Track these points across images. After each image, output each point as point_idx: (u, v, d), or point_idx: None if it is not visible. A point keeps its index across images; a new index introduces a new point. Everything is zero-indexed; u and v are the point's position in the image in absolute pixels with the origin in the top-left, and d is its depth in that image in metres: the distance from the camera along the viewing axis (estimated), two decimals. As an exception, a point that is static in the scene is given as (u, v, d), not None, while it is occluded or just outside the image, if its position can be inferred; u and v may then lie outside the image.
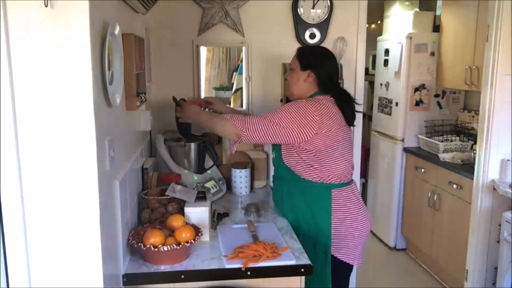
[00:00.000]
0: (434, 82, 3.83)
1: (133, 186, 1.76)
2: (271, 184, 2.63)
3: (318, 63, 1.99)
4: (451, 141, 3.59)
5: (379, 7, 4.54)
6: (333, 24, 2.63)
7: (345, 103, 1.99)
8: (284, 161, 1.97)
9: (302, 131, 1.86)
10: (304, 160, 1.92)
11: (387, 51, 4.09)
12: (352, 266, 2.01)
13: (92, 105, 1.15)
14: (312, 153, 1.90)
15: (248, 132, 1.88)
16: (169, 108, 2.60)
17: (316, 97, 1.96)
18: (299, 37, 2.60)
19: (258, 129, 1.88)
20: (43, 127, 1.15)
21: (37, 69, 1.12)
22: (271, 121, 1.87)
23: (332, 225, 1.92)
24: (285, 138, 1.88)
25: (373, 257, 3.87)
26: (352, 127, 2.06)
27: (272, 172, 2.62)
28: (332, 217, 1.92)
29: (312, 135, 1.86)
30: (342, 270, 1.98)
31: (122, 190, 1.49)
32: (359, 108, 2.16)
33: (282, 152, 1.97)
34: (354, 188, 2.03)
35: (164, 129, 2.53)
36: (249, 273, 1.57)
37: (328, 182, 1.93)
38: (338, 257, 1.95)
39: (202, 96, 2.68)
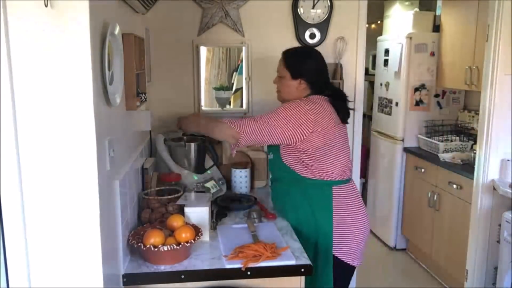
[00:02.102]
0: (434, 82, 3.82)
1: (133, 186, 1.76)
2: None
3: (308, 69, 2.00)
4: (451, 141, 3.59)
5: (379, 7, 4.54)
6: (333, 24, 2.63)
7: (339, 101, 2.03)
8: (283, 161, 1.98)
9: (298, 130, 1.88)
10: (303, 159, 1.94)
11: (387, 51, 4.09)
12: (353, 267, 2.00)
13: (92, 105, 1.15)
14: (310, 151, 1.92)
15: (245, 134, 1.91)
16: (169, 108, 2.61)
17: (311, 97, 1.98)
18: (299, 37, 2.60)
19: (255, 131, 1.90)
20: (43, 127, 1.15)
21: (37, 69, 1.12)
22: (266, 122, 1.90)
23: (334, 224, 1.93)
24: (281, 138, 1.90)
25: (373, 257, 3.86)
26: (346, 125, 2.09)
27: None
28: (333, 215, 1.93)
29: (308, 134, 1.88)
30: (343, 270, 1.98)
31: (122, 190, 1.49)
32: (351, 105, 2.22)
33: (281, 153, 1.99)
34: (354, 186, 2.05)
35: (164, 129, 2.53)
36: (249, 273, 1.57)
37: (328, 179, 1.94)
38: (340, 257, 1.95)
39: (202, 97, 2.68)
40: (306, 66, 2.00)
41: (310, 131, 1.88)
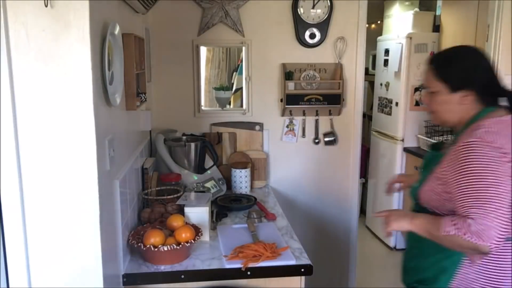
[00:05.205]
0: (434, 82, 3.82)
1: (133, 186, 1.76)
2: (271, 184, 2.64)
3: (473, 75, 1.41)
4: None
5: (379, 7, 4.54)
6: (333, 24, 2.63)
7: None
8: (421, 193, 1.47)
9: (505, 173, 1.27)
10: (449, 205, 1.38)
11: (387, 51, 4.09)
12: None
13: (92, 105, 1.16)
14: None
15: (494, 240, 1.24)
16: (169, 108, 2.61)
17: (486, 122, 1.35)
18: (299, 37, 2.60)
19: (499, 225, 1.24)
20: (43, 127, 1.15)
21: (37, 69, 1.12)
22: (487, 198, 1.26)
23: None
24: (508, 192, 1.27)
25: (373, 257, 3.86)
26: None
27: (272, 172, 2.64)
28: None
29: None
30: None
31: (122, 190, 1.49)
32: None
33: (423, 187, 1.46)
34: None
35: (164, 129, 2.53)
36: (249, 273, 1.57)
37: None
38: None
39: (202, 97, 2.68)
40: (471, 72, 1.41)
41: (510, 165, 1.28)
